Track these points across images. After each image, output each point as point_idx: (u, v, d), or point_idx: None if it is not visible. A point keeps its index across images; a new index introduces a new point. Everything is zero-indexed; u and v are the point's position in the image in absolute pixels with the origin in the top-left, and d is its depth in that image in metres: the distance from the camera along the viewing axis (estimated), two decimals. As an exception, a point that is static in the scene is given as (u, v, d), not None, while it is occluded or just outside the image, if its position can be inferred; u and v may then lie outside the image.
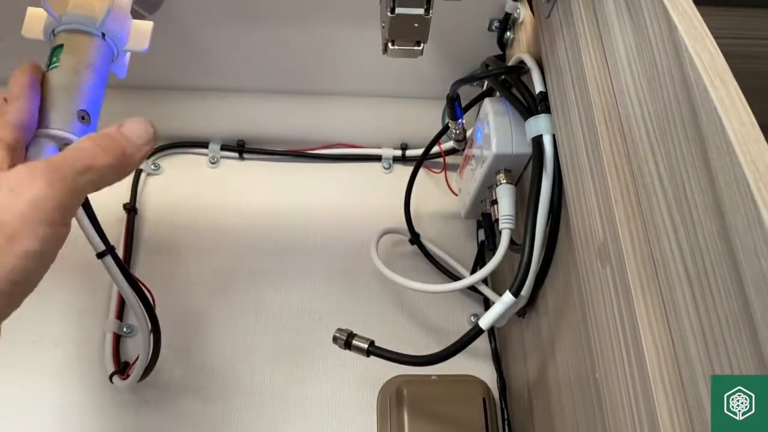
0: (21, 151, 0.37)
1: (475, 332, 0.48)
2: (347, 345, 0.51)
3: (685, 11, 0.31)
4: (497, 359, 0.64)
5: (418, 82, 0.72)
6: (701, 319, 0.28)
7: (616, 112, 0.37)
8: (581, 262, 0.39)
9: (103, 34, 0.50)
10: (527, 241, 0.46)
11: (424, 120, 0.72)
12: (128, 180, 0.70)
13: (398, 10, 0.40)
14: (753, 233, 0.25)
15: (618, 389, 0.34)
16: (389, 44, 0.42)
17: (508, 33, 0.59)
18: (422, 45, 0.42)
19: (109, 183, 0.35)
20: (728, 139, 0.27)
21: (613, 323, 0.34)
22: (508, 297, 0.47)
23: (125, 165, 0.36)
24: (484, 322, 0.47)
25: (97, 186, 0.35)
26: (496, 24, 0.61)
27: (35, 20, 0.51)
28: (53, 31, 0.50)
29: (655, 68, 0.33)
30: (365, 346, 0.50)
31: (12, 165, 0.33)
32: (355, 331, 0.52)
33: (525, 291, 0.51)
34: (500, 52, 0.62)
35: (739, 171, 0.26)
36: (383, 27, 0.42)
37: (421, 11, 0.40)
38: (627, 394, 0.33)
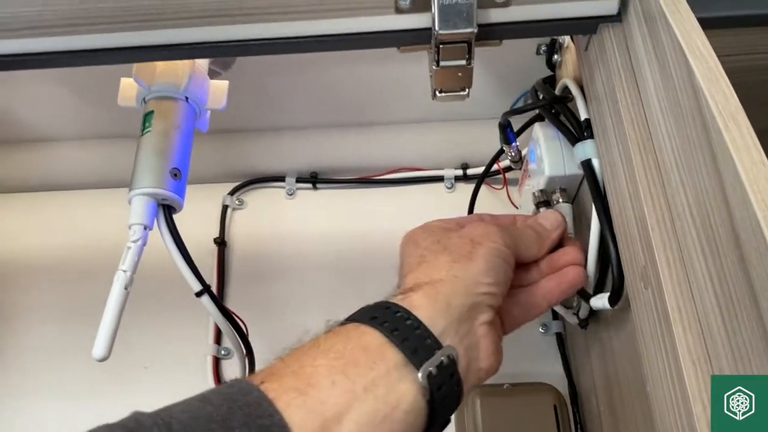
0: None
1: None
2: None
3: (702, 54, 0.34)
4: (567, 367, 0.67)
5: (474, 104, 0.75)
6: (731, 341, 0.31)
7: (651, 144, 0.39)
8: (628, 282, 0.42)
9: (187, 98, 0.57)
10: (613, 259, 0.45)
11: (482, 139, 0.76)
12: (217, 216, 0.77)
13: (442, 63, 0.44)
14: (764, 265, 0.28)
15: (664, 403, 0.36)
16: (437, 92, 0.46)
17: (555, 56, 0.62)
18: (467, 90, 0.46)
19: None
20: (740, 178, 0.29)
21: (657, 341, 0.37)
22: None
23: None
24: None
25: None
26: (543, 48, 0.64)
27: (128, 89, 0.58)
28: (144, 98, 0.57)
29: (679, 107, 0.35)
30: None
31: None
32: None
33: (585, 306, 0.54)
34: (551, 73, 0.65)
35: (750, 208, 0.28)
36: (431, 77, 0.46)
37: (463, 62, 0.43)
38: (672, 407, 0.35)
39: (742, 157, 0.30)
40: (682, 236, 0.36)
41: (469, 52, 0.43)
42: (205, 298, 0.53)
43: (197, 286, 0.53)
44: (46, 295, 0.74)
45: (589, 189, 0.49)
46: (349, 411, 0.32)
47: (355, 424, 0.32)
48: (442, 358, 0.35)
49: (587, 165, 0.50)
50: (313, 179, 0.79)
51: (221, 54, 0.47)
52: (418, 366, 0.34)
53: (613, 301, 0.46)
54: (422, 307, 0.37)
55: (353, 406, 0.32)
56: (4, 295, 0.75)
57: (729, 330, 0.31)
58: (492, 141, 0.75)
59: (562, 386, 0.66)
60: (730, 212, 0.30)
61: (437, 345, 0.36)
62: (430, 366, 0.35)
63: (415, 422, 0.34)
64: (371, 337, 0.35)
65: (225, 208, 0.78)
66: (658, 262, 0.37)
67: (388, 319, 0.36)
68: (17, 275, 0.76)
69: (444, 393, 0.35)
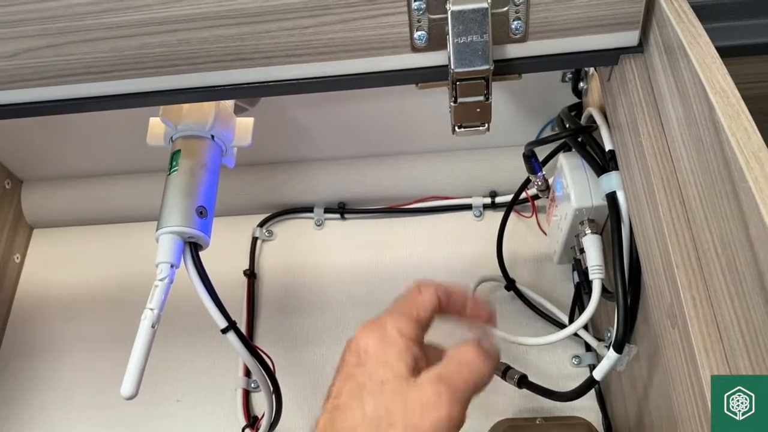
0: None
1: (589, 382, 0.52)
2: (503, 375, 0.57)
3: (723, 89, 0.33)
4: (601, 400, 0.65)
5: (501, 132, 0.74)
6: (760, 387, 0.30)
7: (675, 179, 0.38)
8: (656, 320, 0.41)
9: (213, 136, 0.58)
10: (620, 300, 0.47)
11: (510, 167, 0.75)
12: (247, 248, 0.78)
13: (460, 100, 0.43)
14: (791, 312, 0.26)
15: (695, 448, 0.35)
16: (456, 128, 0.46)
17: (581, 83, 0.61)
18: (487, 125, 0.46)
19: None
20: (763, 219, 0.28)
21: (685, 383, 0.36)
22: (612, 354, 0.49)
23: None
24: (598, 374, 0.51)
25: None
26: (569, 76, 0.63)
27: (156, 129, 0.60)
28: (171, 138, 0.58)
29: (701, 143, 0.35)
30: (516, 377, 0.56)
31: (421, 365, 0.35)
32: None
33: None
34: (578, 99, 0.64)
35: (774, 252, 0.27)
36: (450, 112, 0.46)
37: (481, 98, 0.43)
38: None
39: (765, 198, 0.29)
40: (709, 276, 0.35)
41: (487, 88, 0.43)
42: (231, 335, 0.53)
43: (223, 323, 0.53)
44: (83, 328, 0.76)
45: (611, 223, 0.48)
46: None
47: None
48: None
49: (612, 198, 0.49)
50: (341, 209, 0.79)
51: (243, 95, 0.48)
52: None
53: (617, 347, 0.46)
54: None
55: None
56: (41, 327, 0.77)
57: (756, 373, 0.30)
58: (521, 168, 0.73)
59: (596, 420, 0.64)
60: (755, 253, 0.29)
61: None
62: None
63: None
64: None
65: (255, 239, 0.79)
66: (684, 301, 0.35)
67: None
68: (54, 308, 0.78)
69: None
